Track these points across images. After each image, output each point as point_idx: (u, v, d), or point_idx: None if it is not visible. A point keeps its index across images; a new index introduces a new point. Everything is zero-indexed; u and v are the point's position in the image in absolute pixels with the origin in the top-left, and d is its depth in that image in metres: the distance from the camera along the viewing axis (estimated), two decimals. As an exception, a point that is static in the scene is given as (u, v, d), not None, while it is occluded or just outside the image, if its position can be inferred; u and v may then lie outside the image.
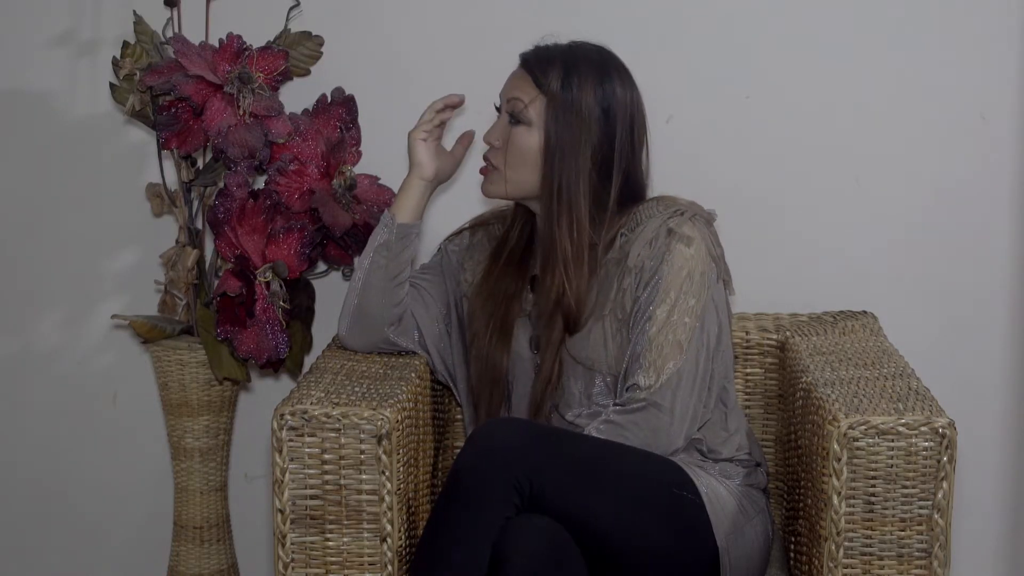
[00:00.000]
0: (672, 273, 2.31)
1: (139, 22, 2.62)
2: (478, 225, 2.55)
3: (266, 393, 2.88)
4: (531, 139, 2.35)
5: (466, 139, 2.47)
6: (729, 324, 2.41)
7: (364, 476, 2.15)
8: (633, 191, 2.38)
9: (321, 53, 2.67)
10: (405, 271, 2.42)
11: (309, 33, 2.67)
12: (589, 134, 2.33)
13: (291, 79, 2.67)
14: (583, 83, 2.33)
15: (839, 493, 2.10)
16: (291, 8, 2.68)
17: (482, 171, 2.40)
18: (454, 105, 2.43)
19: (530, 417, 2.39)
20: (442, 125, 2.44)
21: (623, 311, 2.34)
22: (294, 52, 2.64)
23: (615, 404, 2.30)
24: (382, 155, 2.68)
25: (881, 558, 2.12)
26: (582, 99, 2.33)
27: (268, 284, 2.53)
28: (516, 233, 2.47)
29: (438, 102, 2.42)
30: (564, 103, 2.33)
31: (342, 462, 2.15)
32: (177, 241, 2.66)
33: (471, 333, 2.45)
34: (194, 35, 2.60)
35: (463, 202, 2.71)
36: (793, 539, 2.40)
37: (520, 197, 2.39)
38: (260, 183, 2.63)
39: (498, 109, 2.41)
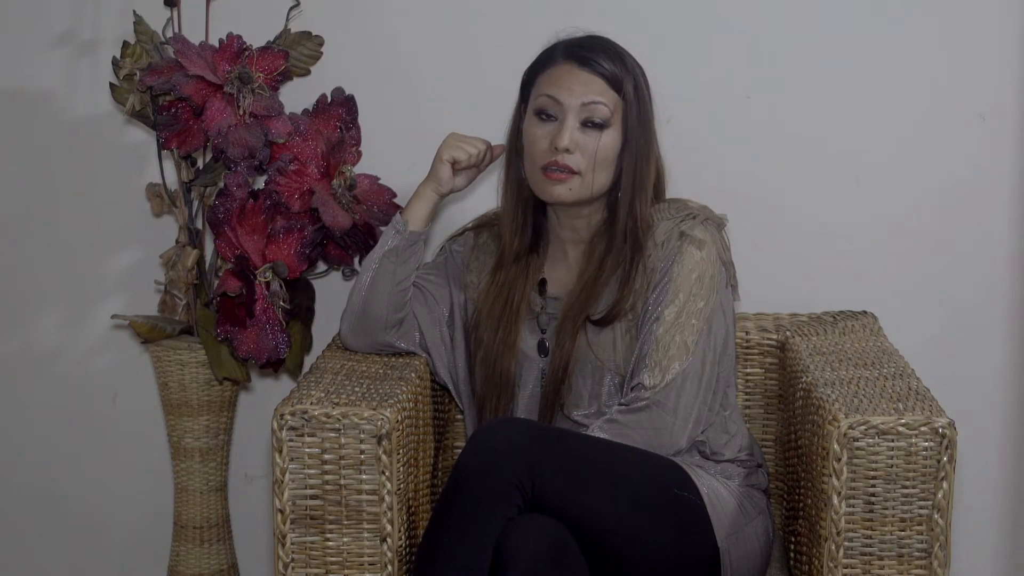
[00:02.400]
0: (682, 275, 2.32)
1: (139, 22, 2.62)
2: (482, 226, 2.54)
3: (266, 393, 2.88)
4: (614, 140, 2.34)
5: (497, 154, 2.46)
6: (734, 329, 2.42)
7: (364, 476, 2.15)
8: (660, 172, 2.43)
9: (321, 53, 2.67)
10: (411, 276, 2.42)
11: (309, 33, 2.67)
12: (652, 123, 2.38)
13: (291, 79, 2.67)
14: (640, 76, 2.37)
15: (839, 493, 2.10)
16: (291, 8, 2.68)
17: (556, 176, 2.33)
18: (496, 159, 2.46)
19: (540, 417, 2.39)
20: (471, 168, 2.44)
21: (633, 312, 2.34)
22: (294, 52, 2.64)
23: (619, 404, 2.30)
24: (382, 155, 2.68)
25: (881, 558, 2.12)
26: (647, 93, 2.37)
27: (268, 284, 2.53)
28: (519, 236, 2.45)
29: (491, 154, 2.44)
30: (639, 102, 2.34)
31: (342, 462, 2.15)
32: (177, 241, 2.66)
33: (476, 338, 2.45)
34: (194, 35, 2.60)
35: (464, 202, 2.71)
36: (793, 539, 2.40)
37: (594, 198, 2.38)
38: (260, 183, 2.63)
39: (548, 112, 2.35)
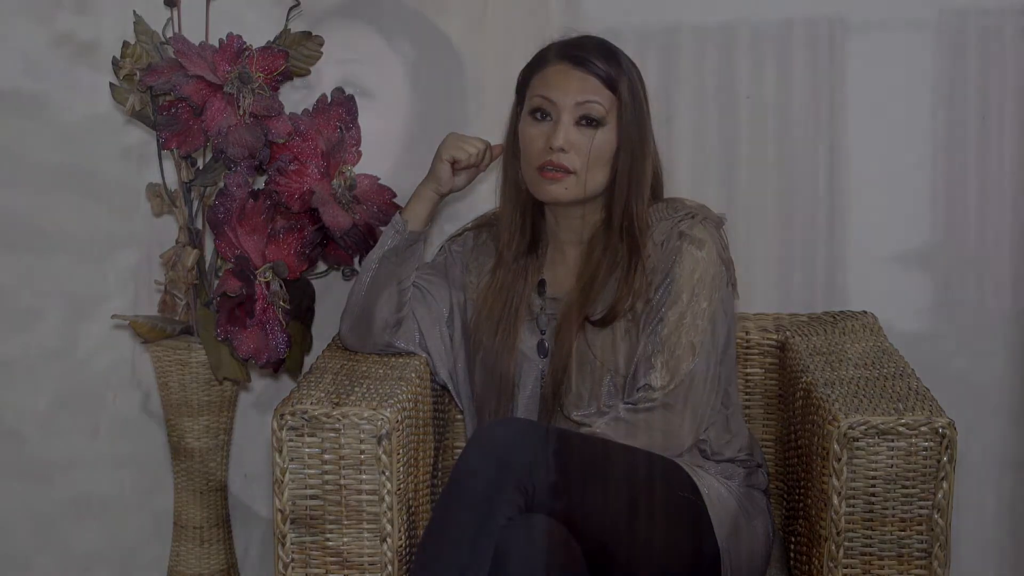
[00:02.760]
0: (684, 276, 2.32)
1: (139, 22, 2.62)
2: (481, 226, 2.54)
3: (266, 393, 2.88)
4: (609, 139, 2.34)
5: (496, 153, 2.46)
6: (735, 327, 2.42)
7: (364, 476, 2.15)
8: (658, 172, 2.42)
9: (321, 53, 2.67)
10: (410, 276, 2.42)
11: (309, 33, 2.67)
12: (648, 121, 2.37)
13: (291, 79, 2.67)
14: (635, 75, 2.37)
15: (839, 493, 2.10)
16: (291, 8, 2.67)
17: (552, 176, 2.33)
18: (495, 159, 2.45)
19: (539, 417, 2.39)
20: (471, 168, 2.43)
21: (633, 313, 2.34)
22: (294, 52, 2.64)
23: (625, 403, 2.30)
24: (382, 155, 2.68)
25: (881, 558, 2.12)
26: (642, 92, 2.37)
27: (268, 284, 2.53)
28: (518, 237, 2.45)
29: (491, 154, 2.43)
30: (634, 101, 2.34)
31: (342, 462, 2.15)
32: (177, 241, 2.66)
33: (475, 340, 2.45)
34: (194, 35, 2.60)
35: (464, 201, 2.71)
36: (793, 539, 2.40)
37: (591, 198, 2.37)
38: (260, 183, 2.63)
39: (543, 112, 2.35)
